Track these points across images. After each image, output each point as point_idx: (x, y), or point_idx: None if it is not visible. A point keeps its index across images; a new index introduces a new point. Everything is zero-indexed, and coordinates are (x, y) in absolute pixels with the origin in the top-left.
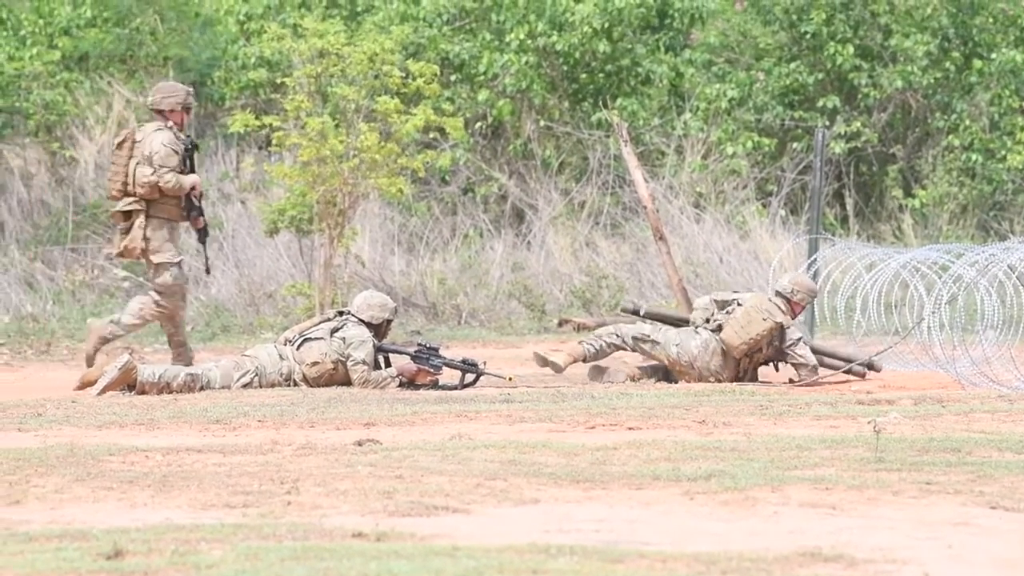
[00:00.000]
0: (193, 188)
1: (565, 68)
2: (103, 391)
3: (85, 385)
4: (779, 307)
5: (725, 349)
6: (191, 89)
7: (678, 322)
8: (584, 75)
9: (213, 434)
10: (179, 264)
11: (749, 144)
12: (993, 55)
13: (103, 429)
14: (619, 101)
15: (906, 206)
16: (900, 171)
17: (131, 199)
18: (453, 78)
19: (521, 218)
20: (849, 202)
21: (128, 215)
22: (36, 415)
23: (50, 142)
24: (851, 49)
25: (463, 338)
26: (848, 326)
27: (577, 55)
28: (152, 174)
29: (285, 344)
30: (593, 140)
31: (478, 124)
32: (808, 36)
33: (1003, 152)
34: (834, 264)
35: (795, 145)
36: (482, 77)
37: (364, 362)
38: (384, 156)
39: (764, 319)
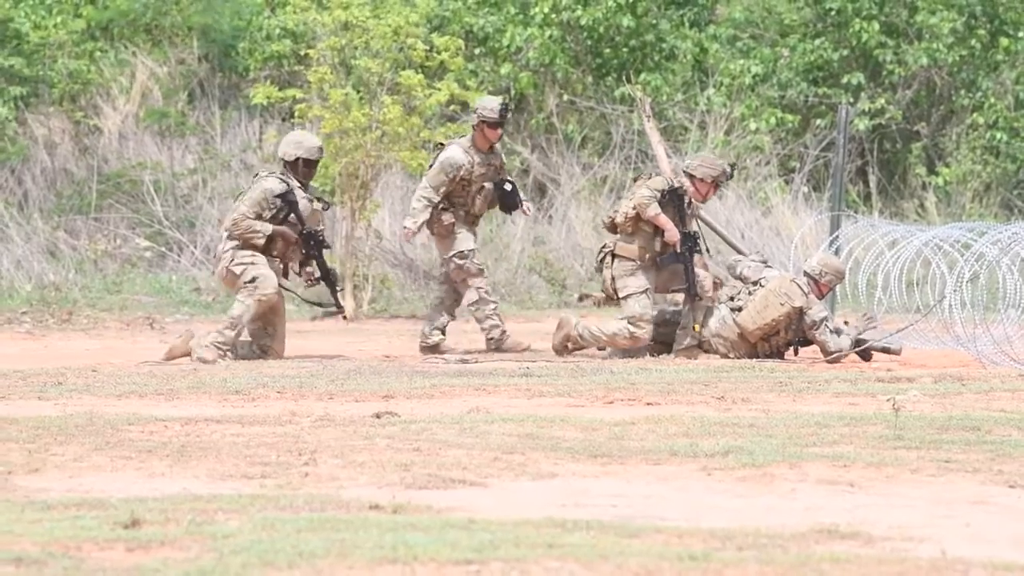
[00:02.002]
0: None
1: (589, 42)
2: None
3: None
4: (801, 289)
5: (743, 334)
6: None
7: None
8: (608, 50)
9: (232, 405)
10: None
11: (772, 120)
12: (1020, 33)
13: (123, 399)
14: (642, 76)
15: (929, 184)
16: (924, 148)
17: None
18: (477, 51)
19: (543, 192)
20: (872, 179)
21: None
22: (56, 384)
23: (74, 111)
24: (876, 26)
25: None
26: (870, 303)
27: (601, 29)
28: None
29: None
30: (616, 115)
31: (501, 97)
32: (833, 12)
33: None
34: (856, 241)
35: (818, 122)
36: (505, 51)
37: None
38: (407, 129)
39: (782, 304)
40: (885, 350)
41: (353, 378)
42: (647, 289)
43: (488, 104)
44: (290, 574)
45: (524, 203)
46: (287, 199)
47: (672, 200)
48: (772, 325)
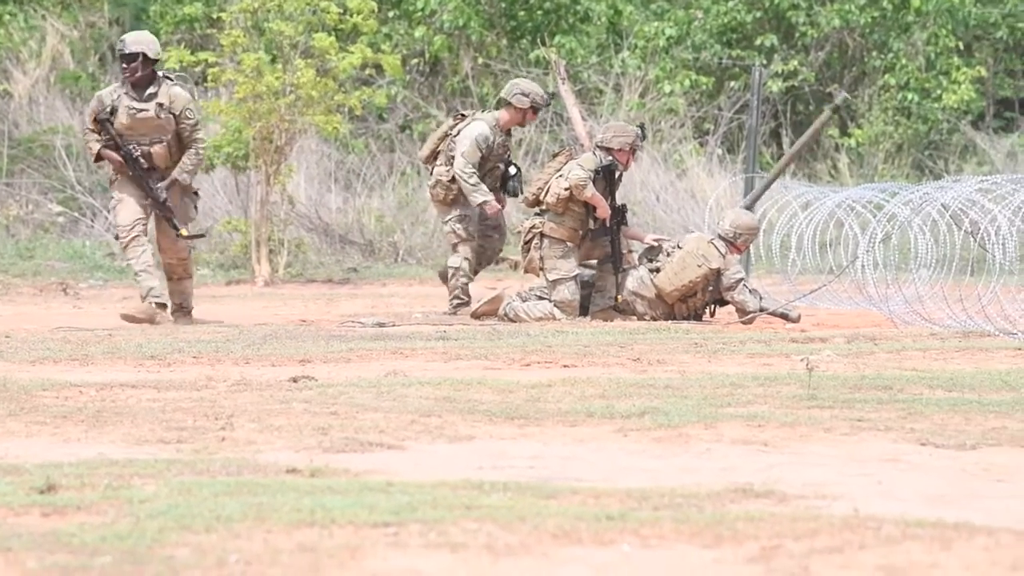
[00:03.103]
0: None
1: (503, 5)
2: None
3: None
4: (718, 250)
5: (660, 294)
6: None
7: None
8: (522, 12)
9: (147, 370)
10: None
11: (687, 83)
12: None
13: (36, 364)
14: (557, 39)
15: (842, 145)
16: (836, 110)
17: None
18: (391, 14)
19: None
20: (786, 141)
21: None
22: None
23: None
24: None
25: (400, 275)
26: (783, 265)
27: None
28: None
29: None
30: (531, 78)
31: (415, 61)
32: None
33: (939, 92)
34: (770, 203)
35: (732, 84)
36: (420, 13)
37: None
38: (321, 93)
39: (699, 265)
40: (784, 316)
41: (269, 342)
42: (577, 275)
43: (539, 91)
44: (207, 538)
45: (522, 188)
46: (100, 119)
47: (604, 175)
48: (689, 286)
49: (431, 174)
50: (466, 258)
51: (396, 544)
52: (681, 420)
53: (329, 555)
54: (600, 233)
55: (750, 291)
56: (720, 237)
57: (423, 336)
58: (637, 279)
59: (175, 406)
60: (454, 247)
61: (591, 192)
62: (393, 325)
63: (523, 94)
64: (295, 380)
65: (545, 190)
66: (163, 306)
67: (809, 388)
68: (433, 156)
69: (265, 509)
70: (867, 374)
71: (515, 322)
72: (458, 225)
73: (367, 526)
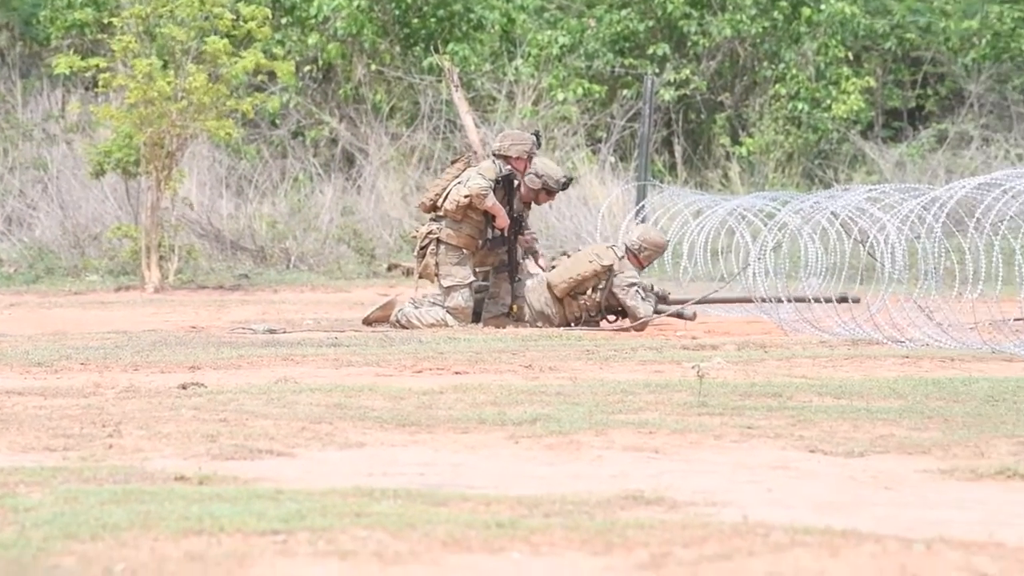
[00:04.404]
0: None
1: (397, 12)
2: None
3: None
4: (615, 252)
5: (551, 288)
6: None
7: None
8: (416, 20)
9: (34, 376)
10: None
11: (579, 91)
12: (821, 5)
13: None
14: (451, 46)
15: (733, 154)
16: (728, 119)
17: None
18: (284, 21)
19: (351, 162)
20: (677, 149)
21: None
22: None
23: None
24: None
25: (292, 282)
26: (675, 272)
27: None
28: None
29: None
30: (424, 85)
31: (308, 67)
32: None
33: (828, 101)
34: (662, 211)
35: (625, 92)
36: (313, 20)
37: None
38: (213, 98)
39: (591, 261)
40: (679, 315)
41: (159, 349)
42: (471, 282)
43: (556, 176)
44: (93, 547)
45: None
46: None
47: (503, 184)
48: (579, 279)
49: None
50: None
51: (285, 552)
52: (572, 427)
53: (217, 563)
54: (498, 242)
55: (643, 298)
56: (627, 248)
57: (314, 343)
58: (536, 281)
59: (62, 413)
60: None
61: (492, 201)
62: (284, 332)
63: (537, 175)
64: (184, 387)
65: (443, 197)
66: None
67: (700, 395)
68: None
69: (152, 517)
70: (757, 381)
71: (407, 328)
72: None
73: (256, 534)
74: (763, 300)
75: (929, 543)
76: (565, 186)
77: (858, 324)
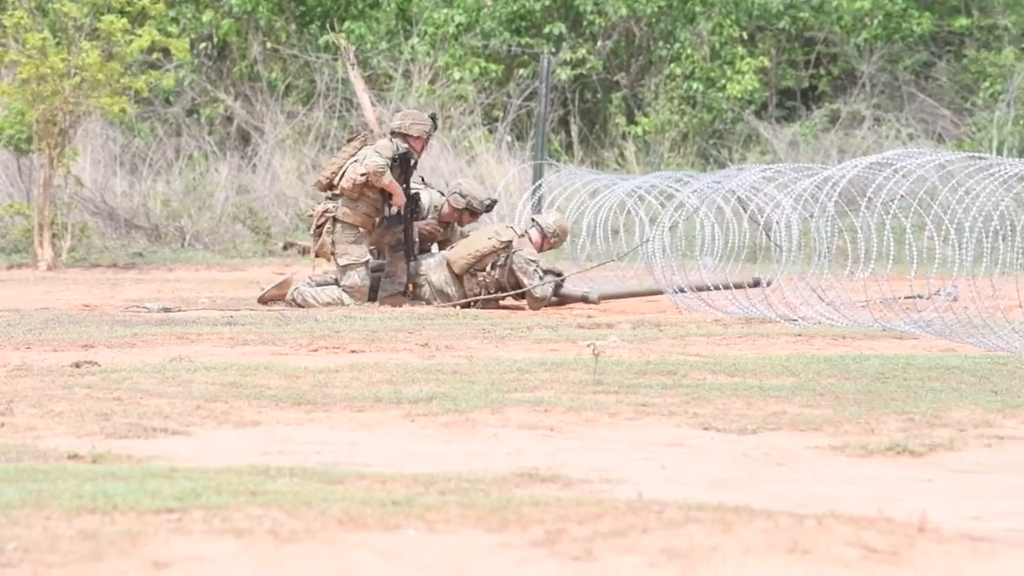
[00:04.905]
0: None
1: None
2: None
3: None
4: (515, 231)
5: (450, 266)
6: None
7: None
8: None
9: None
10: None
11: (476, 70)
12: None
13: None
14: (347, 24)
15: (629, 133)
16: (623, 99)
17: None
18: None
19: (247, 140)
20: (574, 129)
21: None
22: None
23: None
24: None
25: (187, 260)
26: (572, 251)
27: None
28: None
29: None
30: (320, 63)
31: (203, 45)
32: None
33: (723, 81)
34: (559, 190)
35: (521, 71)
36: None
37: None
38: (106, 75)
39: (489, 238)
40: (584, 299)
41: (51, 327)
42: (367, 260)
43: (481, 197)
44: None
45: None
46: None
47: (400, 163)
48: (478, 256)
49: None
50: None
51: (179, 530)
52: (468, 405)
53: (111, 542)
54: (394, 221)
55: (541, 277)
56: (534, 222)
57: (209, 321)
58: (437, 261)
59: None
60: None
61: (388, 179)
62: (179, 310)
63: (462, 193)
64: (77, 365)
65: (340, 175)
66: None
67: (595, 373)
68: None
69: (45, 496)
70: (652, 359)
71: (303, 307)
72: None
73: (150, 512)
74: (679, 291)
75: (820, 519)
76: (489, 208)
77: (752, 303)
